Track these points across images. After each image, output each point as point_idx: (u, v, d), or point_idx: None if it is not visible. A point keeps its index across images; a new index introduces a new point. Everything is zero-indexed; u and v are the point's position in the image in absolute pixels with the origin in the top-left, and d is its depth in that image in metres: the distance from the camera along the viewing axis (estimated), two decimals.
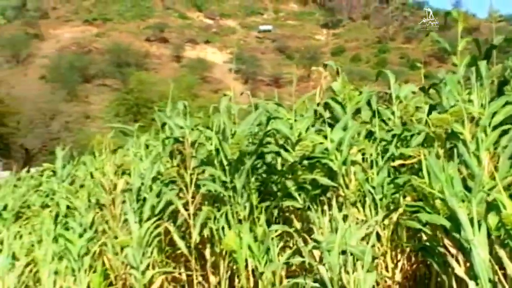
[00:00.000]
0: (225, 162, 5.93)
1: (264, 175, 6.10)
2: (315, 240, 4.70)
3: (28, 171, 12.77)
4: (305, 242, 4.98)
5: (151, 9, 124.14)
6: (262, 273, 5.43)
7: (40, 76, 77.78)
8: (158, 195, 6.69)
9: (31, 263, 7.73)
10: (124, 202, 6.88)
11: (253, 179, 5.90)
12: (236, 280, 6.10)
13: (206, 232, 6.28)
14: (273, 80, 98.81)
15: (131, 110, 66.82)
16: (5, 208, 9.25)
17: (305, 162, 5.48)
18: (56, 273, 7.09)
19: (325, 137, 5.27)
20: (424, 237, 4.75)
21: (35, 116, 30.66)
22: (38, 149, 30.16)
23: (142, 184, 6.74)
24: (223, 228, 5.94)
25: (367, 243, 4.64)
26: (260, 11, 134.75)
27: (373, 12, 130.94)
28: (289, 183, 5.57)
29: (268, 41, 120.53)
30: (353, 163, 5.24)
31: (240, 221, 5.80)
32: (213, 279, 6.22)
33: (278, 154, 5.81)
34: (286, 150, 5.67)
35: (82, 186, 8.40)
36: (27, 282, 7.75)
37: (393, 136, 5.40)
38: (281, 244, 5.51)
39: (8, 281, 7.77)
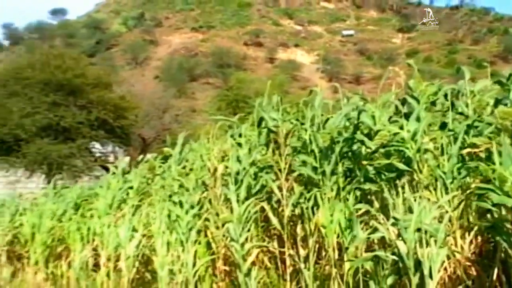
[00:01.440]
0: (316, 150, 5.93)
1: (350, 161, 6.06)
2: (394, 218, 4.67)
3: (144, 157, 13.06)
4: (383, 221, 4.94)
5: (249, 18, 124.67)
6: (347, 247, 5.42)
7: (155, 76, 79.28)
8: (255, 178, 6.74)
9: (148, 235, 7.93)
10: (224, 184, 6.97)
11: (340, 165, 5.89)
12: (323, 253, 6.09)
13: (297, 211, 6.30)
14: (354, 78, 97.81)
15: (231, 105, 67.23)
16: (131, 188, 9.48)
17: (383, 149, 5.46)
18: (168, 243, 7.23)
19: (401, 127, 5.24)
20: (490, 218, 4.69)
21: (150, 110, 31.25)
22: (153, 138, 30.74)
23: (244, 168, 6.79)
24: (312, 207, 5.96)
25: (439, 222, 4.59)
26: (343, 18, 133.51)
27: (444, 17, 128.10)
28: (370, 168, 5.54)
29: (350, 44, 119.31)
30: (426, 150, 5.19)
31: (328, 202, 5.80)
32: (302, 252, 6.20)
33: (362, 142, 5.77)
34: (371, 139, 5.64)
35: (191, 169, 8.53)
36: (144, 251, 7.95)
37: (468, 126, 5.28)
38: (363, 222, 5.49)
39: (128, 250, 7.99)
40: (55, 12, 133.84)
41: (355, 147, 5.91)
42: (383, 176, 5.44)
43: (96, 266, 9.14)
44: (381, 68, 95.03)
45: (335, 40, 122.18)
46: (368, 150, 5.66)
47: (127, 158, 23.96)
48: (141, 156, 25.71)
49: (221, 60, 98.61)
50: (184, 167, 8.87)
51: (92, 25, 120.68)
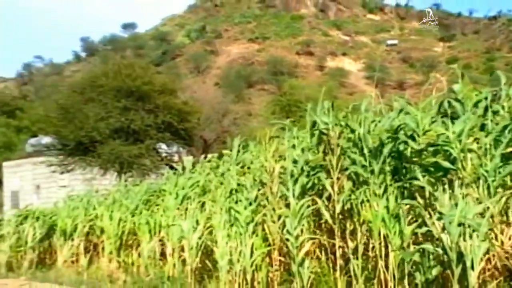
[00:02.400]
0: (366, 150, 5.89)
1: (396, 161, 5.99)
2: (439, 213, 4.62)
3: (205, 157, 13.15)
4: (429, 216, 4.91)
5: (301, 29, 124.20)
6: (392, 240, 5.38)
7: (215, 83, 79.65)
8: (307, 176, 6.73)
9: (210, 228, 7.99)
10: (281, 182, 6.97)
11: (387, 163, 5.84)
12: (370, 246, 6.05)
13: (346, 206, 6.27)
14: (398, 84, 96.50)
15: (284, 109, 67.17)
16: (197, 185, 9.58)
17: (431, 148, 5.42)
18: (228, 236, 7.28)
19: (447, 128, 5.19)
20: None
21: (211, 114, 31.40)
22: (213, 140, 30.89)
23: (296, 167, 6.78)
24: (361, 203, 5.92)
25: (482, 217, 4.53)
26: (387, 29, 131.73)
27: (483, 27, 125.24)
28: (415, 167, 5.49)
29: (394, 53, 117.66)
30: (470, 150, 5.12)
31: (375, 198, 5.76)
32: (351, 244, 6.18)
33: (406, 143, 5.71)
34: (414, 140, 5.58)
35: (248, 168, 8.57)
36: (206, 242, 8.02)
37: (504, 127, 5.19)
38: (409, 217, 5.44)
39: (191, 241, 8.08)
40: (126, 26, 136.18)
41: (401, 147, 5.86)
42: (429, 174, 5.39)
43: (163, 255, 9.26)
44: (423, 74, 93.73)
45: (380, 49, 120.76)
46: (415, 150, 5.60)
47: (190, 158, 24.17)
48: (202, 156, 25.93)
49: (275, 68, 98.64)
50: (242, 167, 8.93)
51: (159, 37, 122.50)
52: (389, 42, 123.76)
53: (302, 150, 7.07)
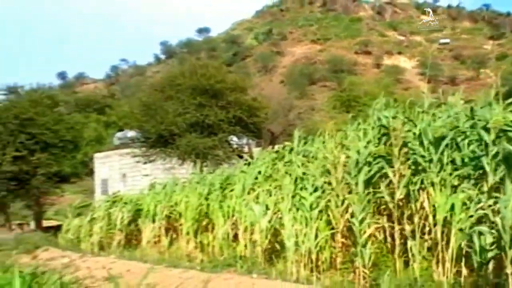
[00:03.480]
0: (425, 142, 5.81)
1: (454, 151, 5.87)
2: (495, 197, 4.54)
3: (272, 148, 13.16)
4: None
5: (359, 30, 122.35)
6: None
7: (281, 81, 79.53)
8: (369, 165, 6.68)
9: (278, 212, 8.02)
10: (345, 171, 6.94)
11: (446, 154, 5.73)
12: (426, 229, 5.99)
13: (404, 193, 6.21)
14: (450, 80, 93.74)
15: (344, 104, 66.73)
16: (260, 173, 9.63)
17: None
18: (294, 219, 7.29)
19: None
20: None
21: (277, 109, 31.38)
22: (280, 132, 30.93)
23: (363, 158, 6.75)
24: (420, 189, 5.87)
25: None
26: (440, 29, 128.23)
27: None
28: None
29: (446, 51, 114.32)
30: None
31: (432, 185, 5.68)
32: (408, 228, 6.14)
33: (466, 135, 5.59)
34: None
35: (313, 157, 8.54)
36: (275, 225, 8.06)
37: None
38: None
39: (262, 223, 8.14)
40: (201, 30, 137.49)
41: (459, 139, 5.74)
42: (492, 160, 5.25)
43: (235, 237, 9.35)
44: (473, 71, 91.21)
45: (433, 48, 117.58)
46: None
47: (259, 149, 24.29)
48: (270, 147, 25.98)
49: (336, 67, 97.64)
50: (305, 156, 8.93)
51: (230, 40, 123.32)
52: (442, 41, 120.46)
53: (368, 142, 7.05)
